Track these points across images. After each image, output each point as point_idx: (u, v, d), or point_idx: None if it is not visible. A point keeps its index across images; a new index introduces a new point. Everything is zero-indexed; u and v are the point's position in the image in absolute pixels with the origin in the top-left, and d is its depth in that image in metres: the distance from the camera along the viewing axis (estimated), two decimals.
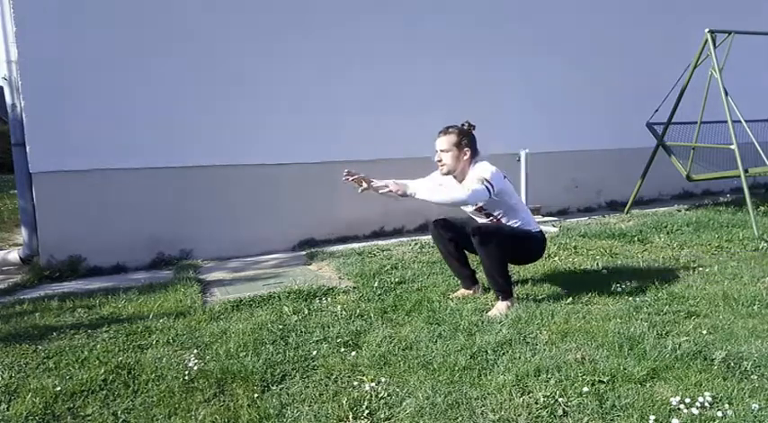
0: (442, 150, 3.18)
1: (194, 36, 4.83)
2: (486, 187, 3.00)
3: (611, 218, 6.00)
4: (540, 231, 3.31)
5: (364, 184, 3.14)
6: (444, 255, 3.48)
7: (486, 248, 3.06)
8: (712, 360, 2.38)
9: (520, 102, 6.13)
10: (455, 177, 3.21)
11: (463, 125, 3.22)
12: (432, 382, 2.29)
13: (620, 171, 6.60)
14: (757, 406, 2.02)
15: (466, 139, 3.16)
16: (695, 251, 4.35)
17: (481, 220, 3.28)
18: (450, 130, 3.19)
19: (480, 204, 3.16)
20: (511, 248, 3.15)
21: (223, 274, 4.38)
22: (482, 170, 3.09)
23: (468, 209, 3.28)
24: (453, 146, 3.14)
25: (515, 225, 3.21)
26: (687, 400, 2.05)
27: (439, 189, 3.24)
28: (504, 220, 3.21)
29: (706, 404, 2.04)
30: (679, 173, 5.87)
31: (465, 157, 3.16)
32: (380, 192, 3.08)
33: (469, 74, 5.89)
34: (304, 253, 5.02)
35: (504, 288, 3.12)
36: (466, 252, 3.42)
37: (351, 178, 3.15)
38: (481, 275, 3.49)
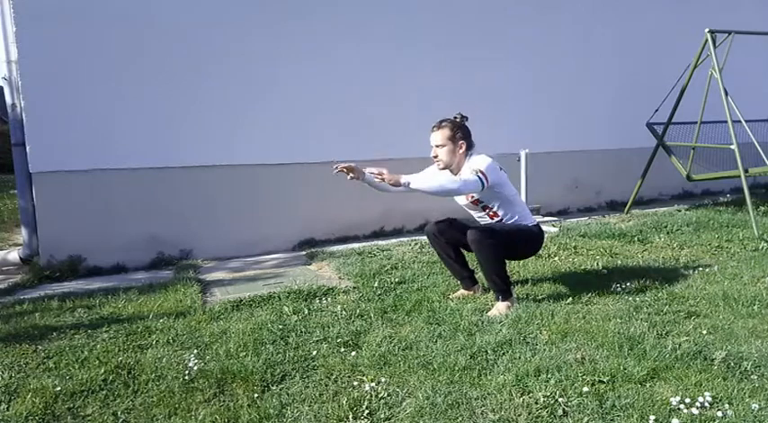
0: (437, 146, 3.18)
1: (194, 36, 4.82)
2: (480, 178, 3.00)
3: (611, 218, 6.00)
4: (537, 225, 3.30)
5: (354, 174, 3.13)
6: (443, 257, 3.48)
7: (483, 252, 3.06)
8: (712, 360, 2.38)
9: (520, 102, 6.13)
10: (452, 171, 3.21)
11: (456, 118, 3.21)
12: (432, 382, 2.29)
13: (620, 171, 6.60)
14: (757, 406, 2.02)
15: (460, 132, 3.16)
16: (695, 251, 4.35)
17: (477, 213, 3.29)
18: (444, 124, 3.18)
19: (475, 196, 3.16)
20: (508, 248, 3.15)
21: (223, 274, 4.38)
22: (477, 162, 3.09)
23: (464, 201, 3.28)
24: (448, 140, 3.14)
25: (512, 219, 3.20)
26: (687, 400, 2.05)
27: (432, 178, 3.21)
28: (500, 213, 3.21)
29: (706, 404, 2.04)
30: (679, 173, 5.87)
31: (461, 151, 3.16)
32: (374, 180, 3.07)
33: (470, 74, 5.89)
34: (304, 253, 5.02)
35: (503, 288, 3.12)
36: (464, 252, 3.42)
37: (340, 167, 3.13)
38: (480, 276, 3.50)
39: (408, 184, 2.99)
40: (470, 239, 3.06)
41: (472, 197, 3.19)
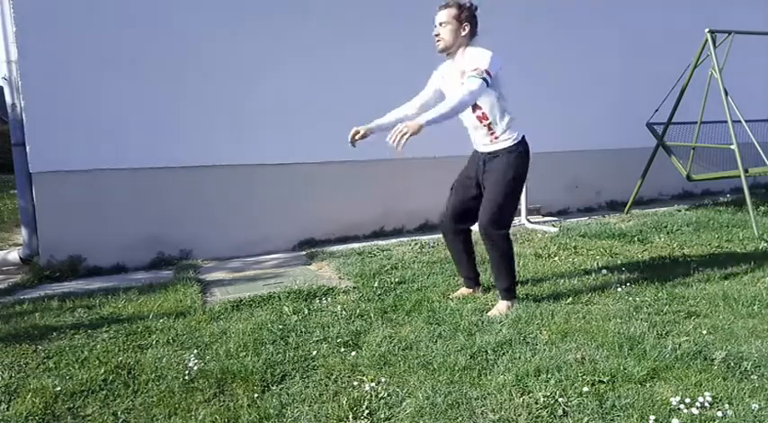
0: (440, 24, 3.01)
1: (194, 37, 4.82)
2: (484, 79, 2.83)
3: (611, 218, 6.00)
4: (524, 139, 3.13)
5: (365, 132, 3.10)
6: (452, 252, 3.44)
7: (494, 247, 3.05)
8: (712, 360, 2.38)
9: (520, 101, 6.10)
10: (449, 55, 3.08)
11: (466, 2, 3.05)
12: (432, 382, 2.29)
13: (620, 171, 6.59)
14: (757, 406, 2.02)
15: (467, 13, 3.00)
16: (695, 251, 4.34)
17: (467, 116, 3.11)
18: (451, 2, 3.01)
19: None
20: (514, 197, 3.07)
21: (223, 274, 4.38)
22: (479, 58, 2.90)
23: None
24: (453, 19, 2.98)
25: (501, 125, 3.05)
26: (687, 400, 2.06)
27: (441, 105, 2.90)
28: (490, 117, 3.05)
29: (706, 404, 2.04)
30: (679, 173, 5.87)
31: (464, 33, 3.01)
32: (400, 142, 2.72)
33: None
34: (304, 253, 5.02)
35: (508, 288, 3.12)
36: (474, 251, 3.39)
37: (356, 137, 3.10)
38: (483, 276, 3.50)
39: (430, 121, 2.76)
40: (482, 232, 3.03)
41: None
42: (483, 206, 3.09)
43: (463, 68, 2.99)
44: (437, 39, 3.07)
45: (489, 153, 3.13)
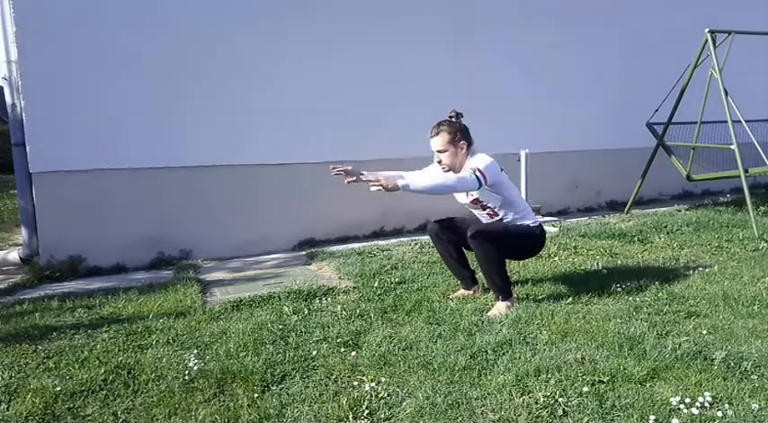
0: (438, 152, 3.17)
1: (194, 36, 4.82)
2: (477, 177, 2.99)
3: (611, 218, 6.00)
4: (539, 225, 3.29)
5: (352, 177, 3.07)
6: (444, 256, 3.48)
7: (483, 251, 3.07)
8: (712, 360, 2.38)
9: (520, 101, 6.13)
10: (456, 172, 3.19)
11: (451, 117, 3.19)
12: (432, 382, 2.29)
13: (620, 171, 6.59)
14: (757, 406, 2.02)
15: (459, 134, 3.14)
16: (695, 251, 4.35)
17: (478, 211, 3.28)
18: (441, 128, 3.15)
19: (475, 195, 3.15)
20: (509, 248, 3.16)
21: (223, 274, 4.38)
22: (477, 161, 3.09)
23: (464, 200, 3.27)
24: (448, 144, 3.13)
25: (512, 218, 3.19)
26: (687, 400, 2.05)
27: (429, 177, 3.21)
28: (500, 213, 3.20)
29: (706, 404, 2.04)
30: (679, 173, 5.87)
31: (462, 151, 3.16)
32: (370, 185, 2.94)
33: (470, 73, 5.89)
34: (304, 253, 5.02)
35: (503, 288, 3.12)
36: (465, 252, 3.42)
37: (338, 169, 3.09)
38: (480, 276, 3.50)
39: (407, 186, 2.96)
40: (471, 238, 3.06)
41: (471, 196, 3.19)
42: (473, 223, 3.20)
43: None
44: (441, 165, 3.21)
45: None
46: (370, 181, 2.92)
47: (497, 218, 3.23)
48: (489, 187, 3.07)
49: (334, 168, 3.11)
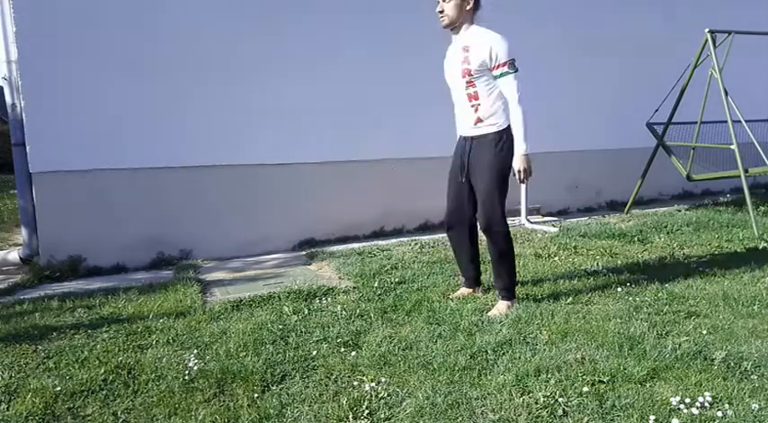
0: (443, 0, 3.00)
1: (194, 37, 4.82)
2: (516, 69, 3.02)
3: (611, 218, 6.00)
4: (509, 127, 3.11)
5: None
6: (456, 252, 3.44)
7: (497, 247, 3.06)
8: (712, 360, 2.38)
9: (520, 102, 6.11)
10: (454, 29, 3.05)
11: None
12: (432, 382, 2.29)
13: (620, 171, 6.59)
14: (757, 406, 2.02)
15: None
16: (695, 251, 4.35)
17: (459, 87, 3.09)
18: None
19: (471, 66, 2.99)
20: (503, 186, 3.08)
21: (223, 274, 4.38)
22: (500, 45, 2.96)
23: (456, 70, 3.07)
24: None
25: (487, 108, 3.04)
26: (687, 400, 2.06)
27: (519, 122, 3.03)
28: (481, 99, 3.03)
29: (706, 404, 2.04)
30: (679, 173, 5.87)
31: (468, 7, 3.00)
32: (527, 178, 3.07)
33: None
34: (304, 253, 5.02)
35: (509, 287, 3.12)
36: (479, 251, 3.40)
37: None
38: (483, 276, 3.50)
39: (525, 146, 3.02)
40: (483, 230, 3.06)
41: (467, 65, 3.00)
42: (479, 206, 3.12)
43: (466, 44, 3.03)
44: (441, 15, 3.05)
45: (474, 138, 3.12)
46: (523, 180, 3.07)
47: (475, 102, 3.05)
48: (500, 76, 2.97)
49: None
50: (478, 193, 3.11)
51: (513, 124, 3.05)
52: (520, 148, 3.00)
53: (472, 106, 3.08)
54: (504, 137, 3.07)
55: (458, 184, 3.23)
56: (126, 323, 3.15)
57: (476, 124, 3.10)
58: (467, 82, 3.04)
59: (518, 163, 3.01)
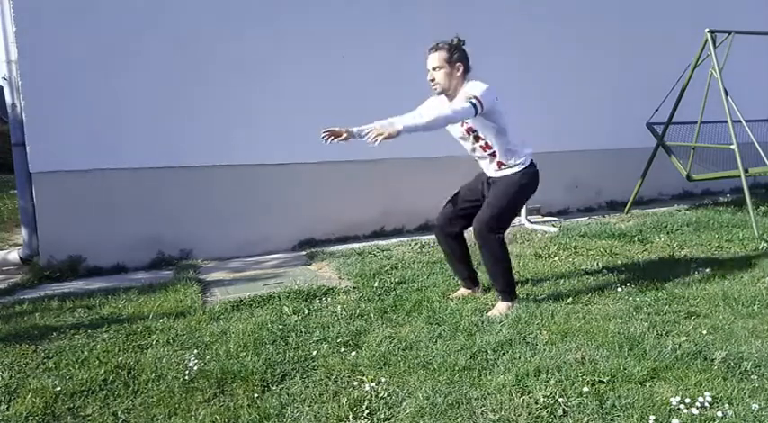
0: (433, 68, 3.03)
1: (193, 37, 4.82)
2: (473, 104, 2.83)
3: (611, 218, 6.00)
4: (532, 163, 3.14)
5: (341, 136, 2.99)
6: (447, 255, 3.46)
7: (488, 249, 3.06)
8: (712, 360, 2.38)
9: (519, 101, 6.10)
10: (449, 96, 3.07)
11: (453, 40, 3.08)
12: (432, 382, 2.29)
13: (620, 171, 6.59)
14: (757, 406, 2.02)
15: (458, 54, 3.02)
16: (695, 251, 4.35)
17: (470, 144, 3.14)
18: (441, 45, 3.02)
19: (469, 123, 3.03)
20: (512, 209, 3.09)
21: (223, 274, 4.38)
22: (472, 87, 2.94)
23: (458, 132, 3.13)
24: (445, 62, 3.00)
25: (506, 151, 3.06)
26: (687, 400, 2.06)
27: (425, 114, 3.05)
28: (494, 146, 3.06)
29: (706, 404, 2.04)
30: (679, 173, 5.87)
31: (458, 73, 3.03)
32: (363, 136, 2.82)
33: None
34: (304, 253, 5.02)
35: (506, 289, 3.12)
36: (469, 252, 3.40)
37: (326, 134, 3.02)
38: (482, 276, 3.50)
39: (407, 128, 2.77)
40: (476, 233, 3.04)
41: (466, 124, 3.04)
42: (482, 209, 3.11)
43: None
44: (432, 83, 3.09)
45: (497, 177, 3.18)
46: (368, 135, 2.73)
47: (490, 152, 3.09)
48: (485, 115, 2.93)
49: (323, 136, 2.99)
50: (487, 204, 3.10)
51: (424, 118, 2.97)
52: (399, 124, 2.80)
53: (489, 155, 3.13)
54: (529, 170, 3.13)
55: (463, 197, 3.28)
56: (126, 323, 3.15)
57: (499, 168, 3.14)
58: (474, 137, 3.11)
59: (384, 127, 2.75)
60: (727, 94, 5.11)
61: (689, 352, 2.45)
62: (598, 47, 6.54)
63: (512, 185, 3.09)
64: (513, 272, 3.24)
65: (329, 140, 3.03)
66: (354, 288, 3.71)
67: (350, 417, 2.09)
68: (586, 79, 6.49)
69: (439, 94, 3.11)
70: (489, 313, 3.04)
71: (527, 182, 3.12)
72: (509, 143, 3.08)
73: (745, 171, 5.15)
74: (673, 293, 3.27)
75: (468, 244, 3.39)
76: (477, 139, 3.10)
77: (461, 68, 3.04)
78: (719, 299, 3.14)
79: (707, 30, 5.23)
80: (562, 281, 3.61)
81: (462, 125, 3.07)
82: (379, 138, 2.69)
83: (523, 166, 3.11)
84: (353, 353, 2.62)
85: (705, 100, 5.54)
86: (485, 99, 2.89)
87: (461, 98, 2.94)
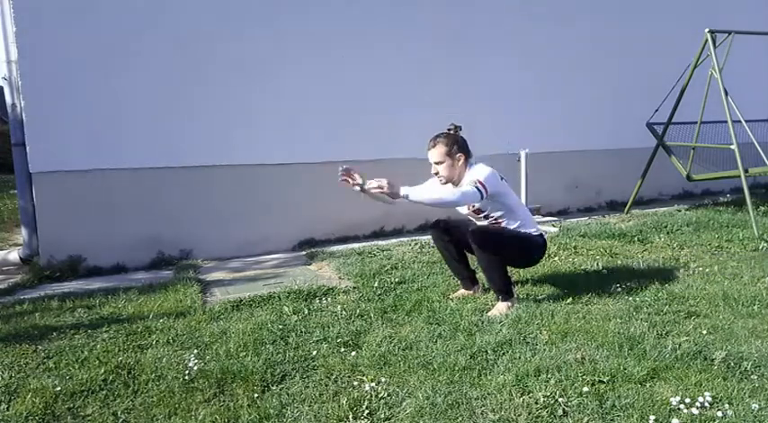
0: (435, 163, 3.16)
1: (193, 37, 4.82)
2: (478, 189, 2.97)
3: (611, 218, 6.00)
4: (541, 234, 3.29)
5: (358, 182, 3.04)
6: (444, 256, 3.48)
7: (483, 252, 3.07)
8: (712, 360, 2.38)
9: (520, 102, 6.13)
10: (454, 184, 3.18)
11: (449, 130, 3.19)
12: (432, 382, 2.29)
13: (620, 171, 6.59)
14: (757, 406, 2.02)
15: (456, 146, 3.12)
16: (695, 251, 4.34)
17: (480, 222, 3.27)
18: (438, 140, 3.14)
19: (477, 206, 3.14)
20: (509, 252, 3.15)
21: (223, 274, 4.38)
22: (477, 172, 3.07)
23: (466, 211, 3.27)
24: (445, 156, 3.11)
25: (515, 227, 3.18)
26: (687, 400, 2.05)
27: (432, 190, 3.21)
28: (504, 223, 3.18)
29: (706, 404, 2.04)
30: (679, 173, 5.87)
31: (460, 163, 3.14)
32: (372, 191, 2.95)
33: (470, 74, 5.89)
34: (304, 253, 5.02)
35: (503, 289, 3.12)
36: (466, 253, 3.42)
37: (344, 177, 3.06)
38: (481, 276, 3.50)
39: (408, 196, 2.95)
40: (472, 240, 3.06)
41: (473, 207, 3.17)
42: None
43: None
44: (437, 176, 3.19)
45: None
46: (373, 186, 2.92)
47: (503, 224, 3.21)
48: (490, 197, 3.05)
49: (341, 168, 3.06)
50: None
51: (432, 190, 3.19)
52: (406, 190, 2.96)
53: (503, 226, 3.22)
54: (538, 239, 3.25)
55: (460, 225, 3.32)
56: (126, 323, 3.15)
57: None
58: (484, 216, 3.21)
59: (390, 186, 2.90)
60: (727, 94, 5.11)
61: (689, 352, 2.45)
62: (598, 47, 6.55)
63: (518, 233, 3.19)
64: (513, 272, 3.25)
65: (343, 179, 3.09)
66: (354, 288, 3.71)
67: (350, 417, 2.09)
68: (586, 79, 6.49)
69: (444, 184, 3.20)
70: (489, 313, 3.04)
71: (532, 240, 3.22)
72: (517, 220, 3.19)
73: (745, 171, 5.15)
74: (673, 293, 3.27)
75: None
76: (486, 217, 3.21)
77: (462, 158, 3.15)
78: (719, 299, 3.14)
79: (707, 30, 5.23)
80: (562, 281, 3.61)
81: (470, 206, 3.18)
82: (380, 192, 2.90)
83: (535, 233, 3.24)
84: (353, 353, 2.62)
85: (705, 100, 5.54)
86: (488, 182, 3.01)
87: (467, 183, 3.05)
